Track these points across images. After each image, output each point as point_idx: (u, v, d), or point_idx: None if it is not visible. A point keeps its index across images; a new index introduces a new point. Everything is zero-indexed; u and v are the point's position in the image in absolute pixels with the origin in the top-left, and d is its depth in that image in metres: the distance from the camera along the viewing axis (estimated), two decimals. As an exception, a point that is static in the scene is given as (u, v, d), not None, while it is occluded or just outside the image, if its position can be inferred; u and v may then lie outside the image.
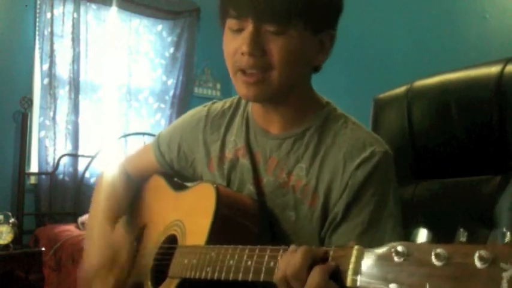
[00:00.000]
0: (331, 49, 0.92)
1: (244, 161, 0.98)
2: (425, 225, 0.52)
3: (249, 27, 0.84)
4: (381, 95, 1.29)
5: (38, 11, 3.39)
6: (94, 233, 1.09)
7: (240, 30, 0.86)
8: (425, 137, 1.16)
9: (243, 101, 1.06)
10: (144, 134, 3.77)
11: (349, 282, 0.57)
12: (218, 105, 1.09)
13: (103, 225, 1.09)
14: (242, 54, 0.85)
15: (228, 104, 1.07)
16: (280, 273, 0.66)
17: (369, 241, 0.82)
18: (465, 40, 2.76)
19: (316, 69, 0.95)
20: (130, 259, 1.06)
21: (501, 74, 1.03)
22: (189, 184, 1.10)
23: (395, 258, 0.51)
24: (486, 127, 1.04)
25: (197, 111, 1.11)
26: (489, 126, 1.04)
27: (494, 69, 1.04)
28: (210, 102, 1.11)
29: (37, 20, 3.39)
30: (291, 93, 0.92)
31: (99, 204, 1.15)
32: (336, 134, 0.92)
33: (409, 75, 1.25)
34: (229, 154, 1.01)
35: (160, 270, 0.98)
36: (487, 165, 1.06)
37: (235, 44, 0.87)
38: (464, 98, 1.09)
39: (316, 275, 0.62)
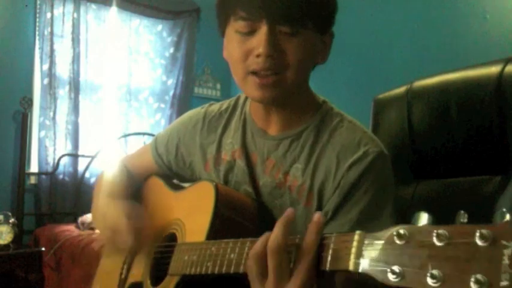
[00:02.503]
0: (331, 46, 0.93)
1: (240, 162, 0.98)
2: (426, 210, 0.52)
3: (263, 28, 0.82)
4: (381, 95, 1.29)
5: (38, 11, 3.40)
6: (104, 208, 1.06)
7: (251, 33, 0.84)
8: (425, 137, 1.16)
9: (241, 102, 1.05)
10: (144, 134, 3.77)
11: (351, 266, 0.56)
12: (215, 107, 1.08)
13: (114, 202, 1.06)
14: (257, 56, 0.83)
15: (225, 106, 1.07)
16: (259, 246, 0.66)
17: None
18: (465, 40, 2.76)
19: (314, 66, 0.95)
20: (129, 258, 1.06)
21: (501, 74, 1.03)
22: (187, 184, 1.10)
23: (397, 241, 0.52)
24: (486, 127, 1.05)
25: (194, 113, 1.11)
26: (489, 126, 1.04)
27: (494, 69, 1.04)
28: (207, 104, 1.11)
29: (37, 20, 3.40)
30: (294, 95, 0.91)
31: (104, 190, 1.13)
32: (331, 133, 0.92)
33: (409, 75, 1.25)
34: (226, 156, 1.01)
35: (159, 269, 0.98)
36: (487, 165, 1.06)
37: (246, 46, 0.84)
38: (464, 98, 1.09)
39: (276, 229, 0.65)
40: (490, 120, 1.04)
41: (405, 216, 0.90)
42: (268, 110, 0.95)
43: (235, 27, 0.86)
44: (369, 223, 0.85)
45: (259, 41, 0.82)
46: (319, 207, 0.89)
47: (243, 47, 0.85)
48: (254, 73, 0.85)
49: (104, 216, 1.04)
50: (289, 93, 0.89)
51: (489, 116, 1.04)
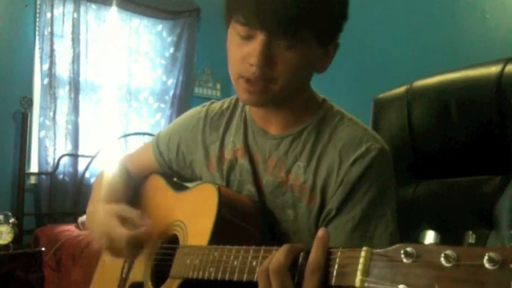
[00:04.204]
0: (334, 56, 0.92)
1: (243, 162, 0.98)
2: (432, 227, 0.52)
3: (260, 38, 0.82)
4: (381, 95, 1.29)
5: (38, 11, 3.39)
6: (98, 211, 1.04)
7: (248, 37, 0.84)
8: (425, 137, 1.16)
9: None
10: (144, 134, 3.77)
11: (357, 283, 0.56)
12: (217, 106, 1.09)
13: (107, 206, 1.06)
14: (250, 64, 0.83)
15: (226, 104, 1.07)
16: (263, 266, 0.67)
17: (359, 238, 0.82)
18: (465, 40, 2.76)
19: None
20: (129, 259, 1.06)
21: (501, 74, 1.03)
22: (189, 184, 1.09)
23: (405, 260, 0.51)
24: (486, 127, 1.04)
25: (196, 111, 1.11)
26: (489, 126, 1.04)
27: (494, 69, 1.04)
28: (209, 102, 1.11)
29: (37, 20, 3.39)
30: (291, 97, 0.92)
31: (100, 195, 1.13)
32: (333, 131, 0.92)
33: (409, 75, 1.25)
34: (228, 155, 1.01)
35: (160, 270, 0.97)
36: (487, 165, 1.06)
37: (242, 51, 0.85)
38: (464, 98, 1.09)
39: (279, 251, 0.65)
40: (490, 120, 1.04)
41: (405, 217, 0.90)
42: (266, 110, 0.96)
43: (236, 28, 0.86)
44: (372, 220, 0.85)
45: (253, 50, 0.82)
46: (322, 206, 0.89)
47: (239, 50, 0.86)
48: (245, 78, 0.85)
49: (98, 222, 1.02)
50: (277, 100, 0.89)
51: (489, 116, 1.04)
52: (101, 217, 1.01)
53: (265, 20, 0.80)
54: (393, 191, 0.90)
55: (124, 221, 0.98)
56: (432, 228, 0.51)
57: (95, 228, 1.02)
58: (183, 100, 4.06)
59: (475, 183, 1.07)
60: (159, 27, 4.09)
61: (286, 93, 0.88)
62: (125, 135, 3.76)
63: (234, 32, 0.87)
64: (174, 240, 0.98)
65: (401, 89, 1.22)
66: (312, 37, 0.83)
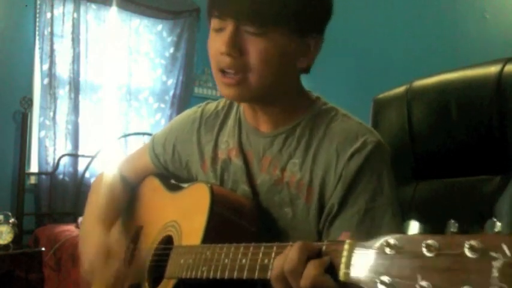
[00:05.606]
0: (317, 53, 0.92)
1: (237, 161, 0.98)
2: (432, 227, 0.52)
3: (229, 27, 0.85)
4: (381, 95, 1.29)
5: (38, 11, 3.39)
6: (89, 238, 1.08)
7: (221, 30, 0.87)
8: (425, 137, 1.16)
9: None
10: (144, 134, 3.77)
11: (341, 275, 0.56)
12: (212, 106, 1.09)
13: (98, 230, 1.08)
14: (221, 53, 0.86)
15: (221, 105, 1.08)
16: (277, 269, 0.66)
17: (366, 231, 0.82)
18: (465, 40, 2.76)
19: (306, 70, 0.94)
20: (126, 261, 1.06)
21: (500, 73, 1.03)
22: (184, 185, 1.10)
23: (387, 251, 0.51)
24: (486, 127, 1.05)
25: (191, 112, 1.11)
26: (489, 126, 1.04)
27: (494, 69, 1.04)
28: (204, 103, 1.11)
29: (37, 20, 3.39)
30: (277, 94, 0.92)
31: (95, 209, 1.14)
32: (327, 127, 0.92)
33: (409, 75, 1.25)
34: (221, 154, 1.01)
35: (157, 272, 0.97)
36: (487, 165, 1.06)
37: (216, 43, 0.87)
38: (464, 98, 1.09)
39: (311, 268, 0.61)
40: (489, 120, 1.04)
41: (405, 217, 0.90)
42: (253, 108, 0.96)
43: (212, 24, 0.89)
44: (377, 210, 0.85)
45: (223, 39, 0.85)
46: (321, 202, 0.88)
47: (214, 44, 0.88)
48: (221, 71, 0.87)
49: (88, 245, 1.06)
50: (258, 94, 0.89)
51: (489, 115, 1.04)
52: (91, 248, 1.04)
53: (233, 7, 0.84)
54: (393, 181, 0.90)
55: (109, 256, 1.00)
56: (430, 227, 0.51)
57: (85, 253, 1.05)
58: (183, 100, 4.06)
59: (475, 183, 1.07)
60: (159, 27, 4.08)
61: (266, 87, 0.88)
62: (125, 135, 3.75)
63: (211, 29, 0.90)
64: (169, 241, 0.98)
65: (401, 89, 1.22)
66: (283, 26, 0.84)
